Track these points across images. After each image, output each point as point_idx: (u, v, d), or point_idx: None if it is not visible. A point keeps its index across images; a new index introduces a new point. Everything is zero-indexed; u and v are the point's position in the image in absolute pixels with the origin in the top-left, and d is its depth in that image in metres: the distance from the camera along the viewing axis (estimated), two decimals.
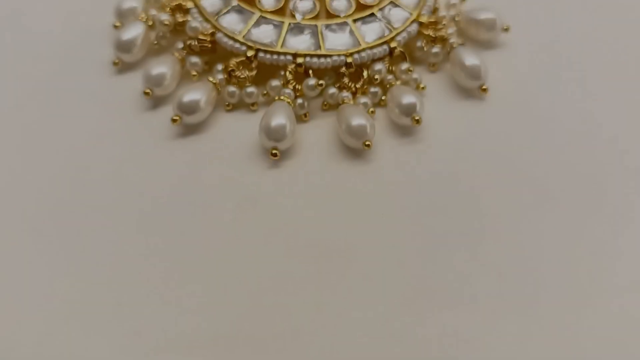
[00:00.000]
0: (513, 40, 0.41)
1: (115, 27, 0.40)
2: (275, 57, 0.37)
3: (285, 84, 0.37)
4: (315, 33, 0.38)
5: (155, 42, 0.40)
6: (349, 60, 0.37)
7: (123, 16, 0.40)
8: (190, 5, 0.39)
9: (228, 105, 0.37)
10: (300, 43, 0.37)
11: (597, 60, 0.41)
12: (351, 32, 0.38)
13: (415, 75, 0.38)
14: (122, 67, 0.39)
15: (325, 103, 0.38)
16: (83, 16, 0.42)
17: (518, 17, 0.42)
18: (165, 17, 0.39)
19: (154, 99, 0.37)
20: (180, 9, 0.39)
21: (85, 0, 0.42)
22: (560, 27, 0.42)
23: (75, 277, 0.32)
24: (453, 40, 0.39)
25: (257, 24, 0.38)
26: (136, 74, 0.39)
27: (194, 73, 0.38)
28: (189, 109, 0.36)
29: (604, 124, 0.38)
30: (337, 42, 0.37)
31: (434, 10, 0.41)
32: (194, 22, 0.38)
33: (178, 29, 0.39)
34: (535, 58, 0.41)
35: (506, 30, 0.41)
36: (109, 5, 0.41)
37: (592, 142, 0.37)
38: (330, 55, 0.37)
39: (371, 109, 0.37)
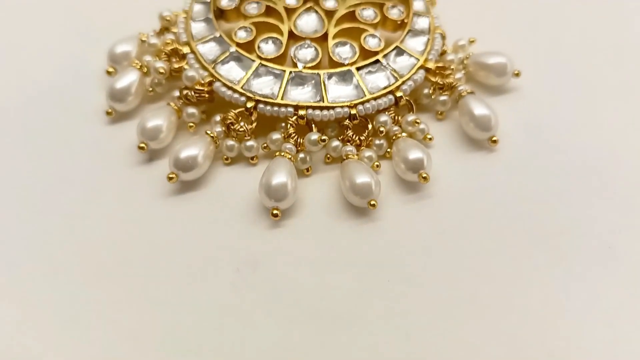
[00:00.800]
0: (523, 84, 0.40)
1: (109, 73, 0.38)
2: (275, 108, 0.35)
3: (287, 137, 0.35)
4: (317, 83, 0.36)
5: (150, 89, 0.38)
6: (353, 112, 0.35)
7: (116, 61, 0.38)
8: (186, 50, 0.38)
9: (227, 159, 0.36)
10: (302, 94, 0.36)
11: (611, 103, 0.39)
12: (355, 81, 0.36)
13: (422, 126, 0.37)
14: (116, 116, 0.37)
15: (328, 156, 0.36)
16: (76, 60, 0.40)
17: (527, 60, 0.40)
18: (160, 65, 0.37)
19: (150, 152, 0.36)
20: (176, 54, 0.38)
21: (77, 42, 0.41)
22: (571, 69, 0.40)
23: (65, 341, 0.31)
24: (462, 87, 0.37)
25: (257, 72, 0.36)
26: (131, 123, 0.37)
27: (191, 124, 0.37)
28: (186, 166, 0.34)
29: (619, 173, 0.36)
30: (340, 93, 0.36)
31: (442, 53, 0.39)
32: (191, 70, 0.36)
33: (174, 74, 0.38)
34: (546, 103, 0.39)
35: (517, 75, 0.39)
36: (102, 48, 0.40)
37: (607, 196, 0.35)
38: (333, 107, 0.35)
39: (376, 163, 0.36)
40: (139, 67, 0.37)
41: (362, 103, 0.36)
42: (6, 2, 0.43)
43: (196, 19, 0.39)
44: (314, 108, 0.35)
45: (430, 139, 0.37)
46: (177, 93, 0.37)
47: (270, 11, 0.39)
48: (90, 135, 0.37)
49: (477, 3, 0.44)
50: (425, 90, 0.38)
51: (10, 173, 0.36)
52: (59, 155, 0.36)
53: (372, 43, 0.38)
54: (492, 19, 0.44)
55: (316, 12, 0.39)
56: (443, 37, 0.39)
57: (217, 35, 0.38)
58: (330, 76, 0.36)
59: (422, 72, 0.37)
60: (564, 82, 0.40)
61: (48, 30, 0.41)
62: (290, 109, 0.35)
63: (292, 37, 0.38)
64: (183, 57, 0.38)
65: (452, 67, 0.38)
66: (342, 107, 0.35)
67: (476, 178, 0.36)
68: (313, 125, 0.35)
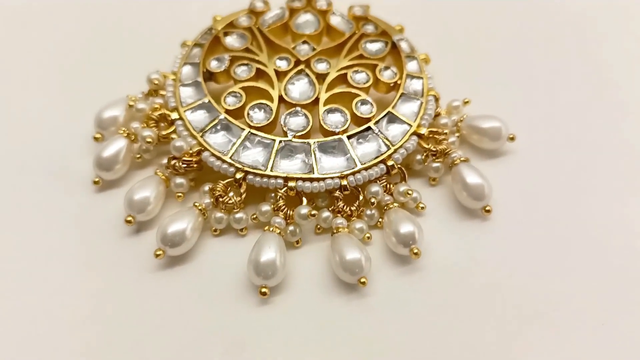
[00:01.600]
0: (518, 147, 0.39)
1: (96, 139, 0.38)
2: (265, 180, 0.35)
3: (276, 209, 0.35)
4: (308, 153, 0.35)
5: (138, 155, 0.37)
6: (344, 182, 0.35)
7: (104, 127, 0.38)
8: (175, 116, 0.37)
9: (215, 230, 0.35)
10: (292, 165, 0.35)
11: (609, 169, 0.38)
12: (346, 150, 0.36)
13: (415, 195, 0.36)
14: (103, 184, 0.36)
15: (318, 226, 0.35)
16: (63, 122, 0.39)
17: (522, 121, 0.39)
18: (148, 134, 0.36)
19: (138, 223, 0.36)
20: (164, 119, 0.37)
21: (65, 104, 0.40)
22: (567, 132, 0.39)
23: None
24: (455, 155, 0.37)
25: (246, 141, 0.36)
26: (118, 191, 0.37)
27: (179, 194, 0.36)
28: (173, 241, 0.33)
29: (616, 245, 0.35)
30: (331, 163, 0.35)
31: (436, 115, 0.39)
32: (179, 140, 0.36)
33: (162, 140, 0.37)
34: (542, 168, 0.38)
35: (512, 139, 0.38)
36: (91, 109, 0.38)
37: (603, 271, 0.34)
38: (323, 179, 0.34)
39: (367, 235, 0.35)
40: (126, 134, 0.37)
41: (353, 174, 0.35)
42: None
43: (185, 82, 0.38)
44: (304, 180, 0.35)
45: (422, 208, 0.36)
46: (165, 160, 0.37)
47: (260, 73, 0.39)
48: (77, 204, 0.36)
49: (472, 59, 0.43)
50: (418, 156, 0.37)
51: None
52: (44, 227, 0.35)
53: (363, 109, 0.37)
54: (487, 74, 0.42)
55: (307, 75, 0.39)
56: (437, 99, 0.39)
57: (206, 101, 0.37)
58: (320, 145, 0.35)
59: (414, 139, 0.37)
60: (559, 145, 0.39)
61: (34, 91, 0.41)
62: (280, 181, 0.35)
63: (282, 101, 0.38)
64: (171, 122, 0.37)
65: (445, 131, 0.38)
66: (332, 178, 0.35)
67: (469, 248, 0.36)
68: (303, 197, 0.35)
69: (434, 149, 0.37)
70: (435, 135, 0.37)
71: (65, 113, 0.40)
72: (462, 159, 0.37)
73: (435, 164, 0.37)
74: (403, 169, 0.37)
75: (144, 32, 0.43)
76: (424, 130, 0.37)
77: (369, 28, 0.41)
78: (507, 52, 0.43)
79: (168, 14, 0.44)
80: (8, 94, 0.41)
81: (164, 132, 0.37)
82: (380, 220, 0.35)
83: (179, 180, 0.36)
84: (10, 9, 0.45)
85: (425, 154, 0.37)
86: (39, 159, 0.38)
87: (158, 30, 0.43)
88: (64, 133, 0.39)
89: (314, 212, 0.34)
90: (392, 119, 0.37)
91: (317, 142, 0.36)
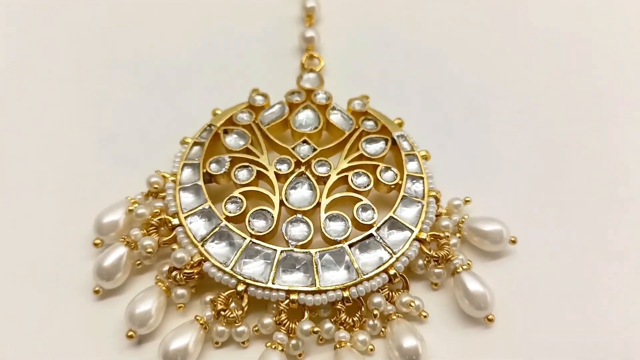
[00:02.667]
0: (519, 248, 0.38)
1: (96, 245, 0.37)
2: (267, 292, 0.34)
3: (279, 324, 0.34)
4: (309, 264, 0.35)
5: (138, 262, 0.37)
6: (346, 294, 0.35)
7: (103, 232, 0.37)
8: (175, 221, 0.37)
9: (217, 344, 0.35)
10: (294, 277, 0.35)
11: (611, 267, 0.38)
12: (348, 260, 0.35)
13: (417, 303, 0.36)
14: (104, 292, 0.36)
15: (321, 338, 0.35)
16: (63, 224, 0.38)
17: (523, 220, 0.39)
18: (148, 243, 0.36)
19: (137, 338, 0.35)
20: (165, 224, 0.37)
21: (62, 206, 0.39)
22: (569, 232, 0.39)
23: None
24: (457, 261, 0.37)
25: (248, 251, 0.36)
26: (119, 299, 0.36)
27: (180, 305, 0.36)
28: (176, 357, 0.33)
29: (618, 351, 0.35)
30: (332, 276, 0.35)
31: (437, 216, 0.39)
32: (180, 252, 0.35)
33: (162, 245, 0.38)
34: (543, 271, 0.38)
35: (513, 242, 0.38)
36: (90, 209, 0.38)
37: None
38: (325, 291, 0.34)
39: (370, 347, 0.35)
40: (126, 242, 0.37)
41: (356, 285, 0.35)
42: None
43: (185, 186, 0.38)
44: (306, 293, 0.34)
45: (425, 316, 0.36)
46: (165, 267, 0.36)
47: (260, 175, 0.39)
48: (76, 312, 0.36)
49: (471, 154, 0.42)
50: (420, 262, 0.37)
51: None
52: (42, 334, 0.35)
53: (364, 216, 0.37)
54: (487, 168, 0.42)
55: (308, 178, 0.38)
56: (437, 199, 0.39)
57: (207, 207, 0.37)
58: (322, 256, 0.35)
59: (416, 245, 0.37)
60: (562, 245, 0.39)
61: (32, 191, 0.40)
62: (282, 293, 0.34)
63: (283, 204, 0.38)
64: (172, 228, 0.37)
65: (447, 234, 0.38)
66: (334, 290, 0.35)
67: (471, 356, 0.36)
68: (305, 310, 0.35)
69: (436, 255, 0.37)
70: (437, 239, 0.37)
71: (63, 214, 0.39)
72: (464, 266, 0.37)
73: (437, 270, 0.37)
74: (405, 277, 0.37)
75: (142, 125, 0.43)
76: (425, 235, 0.37)
77: (369, 124, 0.41)
78: (507, 149, 0.42)
79: (167, 107, 0.43)
80: (5, 197, 0.40)
81: (164, 238, 0.37)
82: (382, 330, 0.35)
83: (180, 291, 0.36)
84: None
85: (427, 260, 0.37)
86: (37, 264, 0.37)
87: (157, 122, 0.43)
88: (62, 237, 0.38)
89: (316, 328, 0.34)
90: (394, 224, 0.37)
91: (319, 251, 0.36)
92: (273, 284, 0.35)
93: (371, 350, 0.35)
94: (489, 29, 0.49)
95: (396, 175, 0.39)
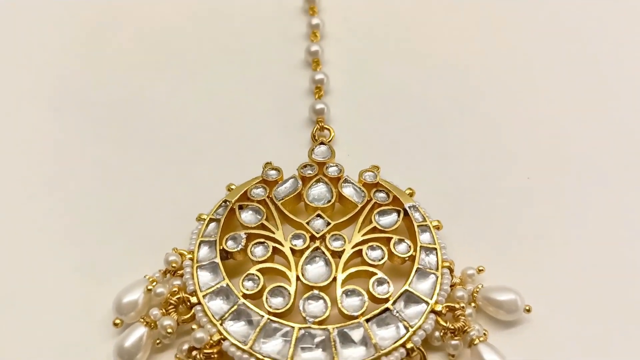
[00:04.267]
0: (533, 317, 0.39)
1: (115, 325, 0.38)
2: None
3: None
4: (327, 341, 0.35)
5: (158, 341, 0.37)
6: None
7: (123, 312, 0.38)
8: (194, 300, 0.38)
9: None
10: (313, 356, 0.35)
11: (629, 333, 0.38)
12: (365, 336, 0.36)
13: None
14: None
15: None
16: (82, 303, 0.39)
17: (536, 286, 0.39)
18: (168, 323, 0.36)
19: None
20: (183, 302, 0.38)
21: (80, 284, 0.39)
22: (583, 299, 0.39)
23: None
24: (473, 333, 0.37)
25: (266, 330, 0.36)
26: None
27: None
28: None
29: None
30: (350, 353, 0.35)
31: (452, 288, 0.39)
32: (200, 332, 0.36)
33: (181, 324, 0.38)
34: (557, 340, 0.38)
35: (528, 311, 0.38)
36: (110, 286, 0.39)
37: None
38: None
39: None
40: (146, 323, 0.37)
41: None
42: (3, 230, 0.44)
43: (202, 264, 0.39)
44: None
45: None
46: (185, 346, 0.37)
47: (276, 252, 0.40)
48: None
49: (484, 218, 0.43)
50: (437, 334, 0.38)
51: None
52: None
53: (380, 290, 0.37)
54: (499, 235, 0.42)
55: (323, 253, 0.39)
56: (451, 270, 0.39)
57: (224, 285, 0.38)
58: (340, 333, 0.36)
59: (432, 317, 0.37)
60: (576, 313, 0.39)
61: (47, 269, 0.40)
62: None
63: (300, 283, 0.38)
64: (190, 307, 0.38)
65: (462, 304, 0.38)
66: None
67: None
68: None
69: (452, 327, 0.37)
70: (452, 310, 0.38)
71: (81, 294, 0.39)
72: (480, 338, 0.37)
73: (454, 342, 0.37)
74: (422, 350, 0.37)
75: (158, 202, 0.43)
76: (440, 307, 0.38)
77: (381, 196, 0.42)
78: (519, 217, 0.43)
79: (181, 183, 0.44)
80: (22, 278, 0.40)
81: (183, 318, 0.37)
82: None
83: None
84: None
85: (443, 332, 0.37)
86: (58, 346, 0.37)
87: (172, 198, 0.43)
88: (82, 317, 0.38)
89: None
90: (409, 297, 0.38)
91: (337, 328, 0.36)
92: None
93: None
94: (497, 93, 0.51)
95: (410, 247, 0.40)
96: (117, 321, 0.38)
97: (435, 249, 0.40)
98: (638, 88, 0.52)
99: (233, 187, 0.43)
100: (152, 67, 0.51)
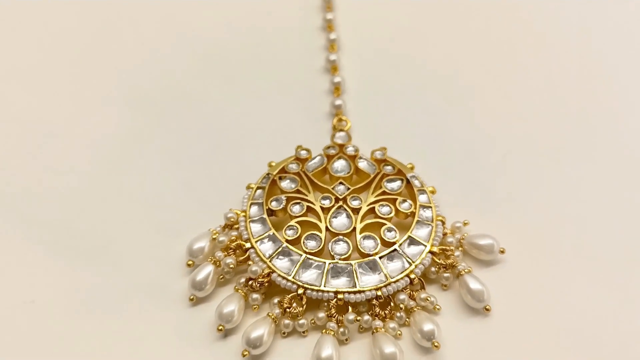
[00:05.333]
0: (508, 257, 0.51)
1: (189, 265, 0.50)
2: (320, 294, 0.46)
3: (330, 316, 0.46)
4: (350, 272, 0.47)
5: (221, 277, 0.49)
6: (379, 293, 0.47)
7: (194, 255, 0.50)
8: (248, 245, 0.49)
9: (284, 334, 0.47)
10: (339, 282, 0.47)
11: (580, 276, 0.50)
12: (379, 268, 0.48)
13: (432, 299, 0.48)
14: (196, 300, 0.48)
15: (361, 327, 0.47)
16: (161, 251, 0.51)
17: (511, 237, 0.51)
18: (229, 261, 0.48)
19: (224, 332, 0.47)
20: (240, 248, 0.50)
21: (161, 237, 0.52)
22: (551, 244, 0.51)
23: None
24: (460, 267, 0.49)
25: (304, 265, 0.48)
26: (208, 305, 0.48)
27: (255, 306, 0.48)
28: (255, 344, 0.45)
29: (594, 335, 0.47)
30: (368, 279, 0.47)
31: (444, 235, 0.51)
32: (254, 266, 0.48)
33: (239, 264, 0.49)
34: (528, 273, 0.50)
35: (502, 252, 0.50)
36: (182, 239, 0.50)
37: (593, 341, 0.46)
38: (363, 291, 0.46)
39: (398, 332, 0.46)
40: (212, 262, 0.49)
41: (385, 286, 0.47)
42: (98, 198, 0.55)
43: (253, 219, 0.51)
44: (349, 293, 0.46)
45: (438, 309, 0.47)
46: (242, 280, 0.48)
47: (309, 209, 0.51)
48: (177, 317, 0.47)
49: (468, 186, 0.55)
50: (432, 269, 0.49)
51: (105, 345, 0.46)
52: (152, 336, 0.46)
53: (389, 235, 0.49)
54: (481, 196, 0.55)
55: (345, 210, 0.51)
56: (443, 223, 0.51)
57: (271, 233, 0.49)
58: (360, 265, 0.48)
59: (429, 256, 0.49)
60: (544, 254, 0.50)
61: (134, 227, 0.52)
62: (331, 294, 0.46)
63: (328, 230, 0.50)
64: (245, 251, 0.49)
65: (451, 247, 0.50)
66: (370, 290, 0.47)
67: (476, 339, 0.47)
68: (349, 306, 0.47)
69: (444, 263, 0.49)
70: (444, 252, 0.50)
71: (163, 245, 0.51)
72: (466, 270, 0.49)
73: (445, 274, 0.49)
74: (422, 279, 0.48)
75: (215, 176, 0.55)
76: (435, 249, 0.49)
77: (388, 168, 0.54)
78: (498, 184, 0.55)
79: (233, 162, 0.56)
80: (117, 235, 0.52)
81: (240, 258, 0.49)
82: (407, 320, 0.47)
83: (255, 295, 0.48)
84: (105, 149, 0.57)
85: (437, 267, 0.49)
86: (147, 282, 0.49)
87: (227, 173, 0.55)
88: (162, 261, 0.50)
89: (358, 317, 0.46)
90: (412, 241, 0.49)
91: (357, 262, 0.48)
92: (324, 287, 0.47)
93: (399, 334, 0.47)
94: (494, 95, 0.63)
95: (411, 205, 0.51)
96: (190, 262, 0.50)
97: (431, 207, 0.52)
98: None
99: (273, 164, 0.55)
100: (205, 75, 0.63)
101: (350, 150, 0.55)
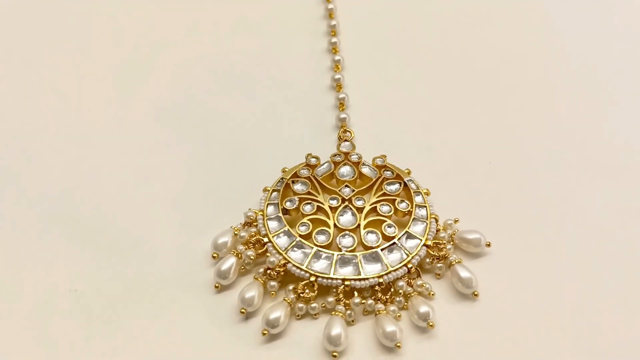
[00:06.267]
0: (494, 250, 0.57)
1: (214, 257, 0.56)
2: (329, 281, 0.53)
3: (338, 301, 0.53)
4: (356, 263, 0.54)
5: (243, 267, 0.56)
6: (381, 280, 0.53)
7: (218, 248, 0.56)
8: (266, 240, 0.56)
9: (298, 316, 0.53)
10: (346, 271, 0.54)
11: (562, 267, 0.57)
12: (380, 259, 0.54)
13: (427, 286, 0.54)
14: (220, 288, 0.55)
15: (365, 310, 0.53)
16: (189, 245, 0.57)
17: (497, 231, 0.58)
18: (250, 253, 0.55)
19: (246, 314, 0.53)
20: (259, 242, 0.56)
21: (187, 233, 0.59)
22: (533, 237, 0.58)
23: None
24: (452, 258, 0.56)
25: (315, 256, 0.55)
26: (231, 292, 0.55)
27: (273, 292, 0.54)
28: (274, 324, 0.51)
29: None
30: (371, 268, 0.54)
31: (437, 231, 0.57)
32: (272, 257, 0.54)
33: (258, 256, 0.56)
34: (513, 264, 0.56)
35: (489, 245, 0.57)
36: (207, 236, 0.57)
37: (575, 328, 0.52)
38: (367, 279, 0.53)
39: (398, 314, 0.53)
40: (235, 254, 0.56)
41: (386, 274, 0.54)
42: (131, 200, 0.62)
43: (270, 217, 0.57)
44: (354, 280, 0.53)
45: (432, 294, 0.54)
46: (261, 270, 0.55)
47: (319, 209, 0.58)
48: (204, 302, 0.54)
49: (459, 189, 0.62)
50: (427, 260, 0.56)
51: (137, 342, 0.52)
52: (182, 321, 0.53)
53: (389, 231, 0.56)
54: (470, 198, 0.62)
55: (350, 209, 0.58)
56: (436, 220, 0.58)
57: (286, 229, 0.56)
58: (364, 256, 0.55)
59: (424, 249, 0.56)
60: (526, 248, 0.57)
61: (165, 226, 0.59)
62: (339, 281, 0.53)
63: (336, 227, 0.57)
64: (264, 245, 0.56)
65: (444, 241, 0.57)
66: (373, 278, 0.53)
67: (466, 321, 0.53)
68: (355, 291, 0.53)
69: (437, 255, 0.56)
70: (437, 245, 0.56)
71: (190, 241, 0.58)
72: (456, 260, 0.55)
73: (439, 265, 0.56)
74: (418, 269, 0.55)
75: (234, 181, 0.62)
76: (430, 242, 0.56)
77: (388, 173, 0.61)
78: (486, 190, 0.62)
79: (250, 169, 0.63)
80: (146, 226, 0.59)
81: (259, 251, 0.56)
82: (405, 304, 0.54)
83: (272, 283, 0.54)
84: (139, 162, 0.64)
85: (432, 259, 0.56)
86: (175, 274, 0.56)
87: (245, 179, 0.62)
88: (189, 255, 0.57)
89: (363, 301, 0.53)
90: (409, 236, 0.56)
91: (362, 254, 0.55)
92: (333, 275, 0.53)
93: (399, 316, 0.53)
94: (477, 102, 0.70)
95: (408, 205, 0.58)
96: (215, 255, 0.57)
97: (425, 206, 0.58)
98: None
99: (286, 169, 0.62)
100: (225, 92, 0.70)
101: (354, 157, 0.62)
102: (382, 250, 0.55)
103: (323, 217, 0.57)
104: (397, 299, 0.53)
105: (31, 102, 0.71)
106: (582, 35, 0.77)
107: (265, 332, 0.51)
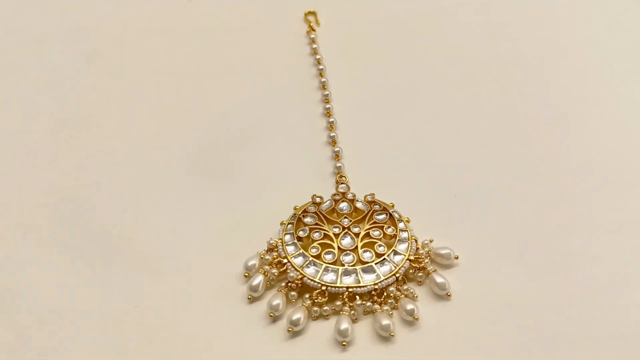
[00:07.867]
0: (462, 262, 0.73)
1: (245, 276, 0.71)
2: (336, 289, 0.69)
3: (344, 304, 0.68)
4: (356, 274, 0.70)
5: (269, 283, 0.71)
6: (376, 287, 0.69)
7: (249, 269, 0.72)
8: (285, 261, 0.71)
9: (314, 317, 0.68)
10: (349, 280, 0.69)
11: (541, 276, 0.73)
12: (375, 271, 0.70)
13: (412, 290, 0.69)
14: (252, 299, 0.70)
15: (365, 310, 0.68)
16: (224, 267, 0.72)
17: (466, 246, 0.74)
18: (274, 272, 0.71)
19: (274, 317, 0.68)
20: (280, 263, 0.72)
21: (223, 256, 0.74)
22: (501, 249, 0.74)
23: None
24: (429, 269, 0.71)
25: (325, 270, 0.70)
26: (260, 303, 0.69)
27: (293, 300, 0.69)
28: (297, 324, 0.66)
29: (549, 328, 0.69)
30: (368, 278, 0.69)
31: (417, 249, 0.73)
32: (291, 273, 0.70)
33: (280, 274, 0.71)
34: (477, 272, 0.72)
35: (457, 258, 0.73)
36: (239, 258, 0.72)
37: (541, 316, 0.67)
38: (366, 286, 0.69)
39: (390, 313, 0.68)
40: (262, 272, 0.71)
41: (380, 282, 0.69)
42: (177, 234, 0.76)
43: (287, 244, 0.73)
44: (356, 287, 0.68)
45: (416, 296, 0.69)
46: (283, 283, 0.70)
47: (325, 235, 0.74)
48: (240, 311, 0.69)
49: (435, 216, 0.77)
50: (410, 271, 0.72)
51: (191, 343, 0.67)
52: (224, 325, 0.68)
53: (380, 250, 0.72)
54: (441, 223, 0.77)
55: (349, 234, 0.74)
56: (416, 241, 0.74)
57: (301, 252, 0.72)
58: (362, 269, 0.70)
59: (408, 262, 0.71)
60: (489, 260, 0.72)
61: (203, 253, 0.74)
62: (344, 289, 0.68)
63: (339, 249, 0.72)
64: (284, 265, 0.71)
65: (422, 257, 0.72)
66: (370, 285, 0.69)
67: (442, 316, 0.68)
68: (357, 296, 0.68)
69: (418, 267, 0.71)
70: (418, 259, 0.72)
71: (223, 264, 0.73)
72: (433, 270, 0.71)
73: (419, 274, 0.71)
74: (404, 277, 0.71)
75: (254, 218, 0.78)
76: (412, 258, 0.71)
77: (376, 207, 0.77)
78: (464, 215, 0.78)
79: (267, 208, 0.79)
80: (181, 251, 0.74)
81: (281, 270, 0.71)
82: (395, 304, 0.69)
83: (293, 293, 0.69)
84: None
85: (414, 269, 0.71)
86: (215, 290, 0.71)
87: (265, 216, 0.78)
88: (226, 276, 0.72)
89: (363, 302, 0.68)
90: (396, 253, 0.72)
91: (360, 267, 0.70)
92: (339, 284, 0.68)
93: (391, 314, 0.68)
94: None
95: (393, 230, 0.74)
96: (246, 274, 0.72)
97: (407, 230, 0.75)
98: None
99: (297, 207, 0.78)
100: (245, 144, 0.87)
101: (350, 196, 0.78)
102: (375, 264, 0.71)
103: (329, 242, 0.74)
104: (389, 300, 0.69)
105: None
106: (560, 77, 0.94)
107: (290, 329, 0.67)
